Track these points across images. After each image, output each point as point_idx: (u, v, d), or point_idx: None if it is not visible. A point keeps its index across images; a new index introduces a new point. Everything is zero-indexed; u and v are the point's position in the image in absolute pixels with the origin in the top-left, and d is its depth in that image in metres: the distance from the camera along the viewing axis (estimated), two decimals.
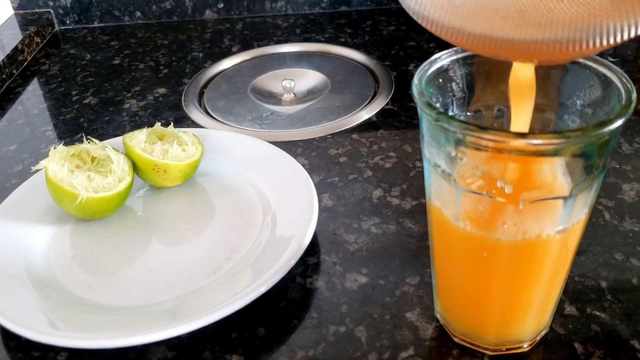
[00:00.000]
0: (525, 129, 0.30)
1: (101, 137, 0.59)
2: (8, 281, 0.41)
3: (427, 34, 0.76)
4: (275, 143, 0.53)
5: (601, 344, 0.36)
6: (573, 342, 0.36)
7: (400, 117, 0.60)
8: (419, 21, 0.26)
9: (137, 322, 0.38)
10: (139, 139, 0.49)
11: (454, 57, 0.31)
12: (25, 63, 0.77)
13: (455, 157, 0.29)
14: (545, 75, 0.31)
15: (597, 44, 0.23)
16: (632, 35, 0.22)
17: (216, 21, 0.85)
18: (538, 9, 0.22)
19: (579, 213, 0.29)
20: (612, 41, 0.23)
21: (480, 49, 0.26)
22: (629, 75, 0.28)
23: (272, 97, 0.66)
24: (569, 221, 0.29)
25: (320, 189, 0.50)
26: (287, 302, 0.40)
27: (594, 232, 0.43)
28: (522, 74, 0.28)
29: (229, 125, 0.61)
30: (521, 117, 0.29)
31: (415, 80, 0.29)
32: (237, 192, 0.50)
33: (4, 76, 0.72)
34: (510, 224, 0.29)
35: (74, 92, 0.69)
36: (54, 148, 0.46)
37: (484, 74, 0.32)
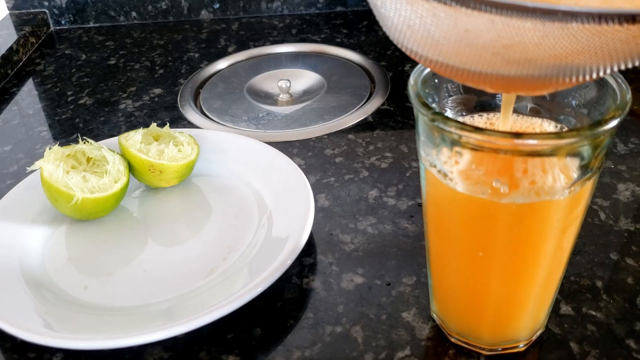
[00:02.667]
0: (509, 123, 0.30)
1: (97, 138, 0.59)
2: (3, 282, 0.41)
3: None
4: (271, 143, 0.53)
5: (597, 344, 0.36)
6: (569, 342, 0.36)
7: (396, 118, 0.60)
8: (403, 50, 0.26)
9: (133, 322, 0.38)
10: (134, 140, 0.49)
11: None
12: (20, 63, 0.77)
13: (451, 157, 0.29)
14: None
15: (581, 79, 0.23)
16: (622, 68, 0.23)
17: (212, 21, 0.85)
18: (520, 48, 0.21)
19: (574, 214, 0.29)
20: (593, 77, 0.23)
21: (460, 79, 0.27)
22: (623, 75, 0.28)
23: (268, 98, 0.66)
24: (565, 222, 0.29)
25: (317, 189, 0.50)
26: (283, 302, 0.40)
27: (590, 232, 0.43)
28: None
29: (225, 125, 0.61)
30: (509, 115, 0.30)
31: (411, 80, 0.30)
32: (233, 192, 0.50)
33: None
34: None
35: (69, 93, 0.69)
36: (49, 148, 0.46)
37: None
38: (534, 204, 0.28)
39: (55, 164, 0.45)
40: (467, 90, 0.32)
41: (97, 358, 0.37)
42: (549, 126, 0.32)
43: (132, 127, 0.61)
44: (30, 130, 0.62)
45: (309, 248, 0.44)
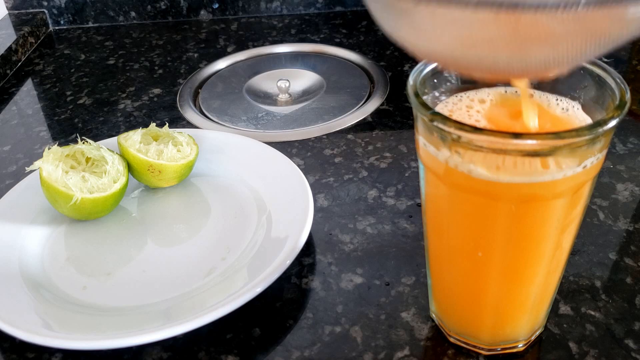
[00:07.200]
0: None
1: (96, 138, 0.59)
2: (2, 282, 0.41)
3: None
4: (270, 143, 0.53)
5: (596, 344, 0.36)
6: (568, 342, 0.36)
7: (396, 118, 0.60)
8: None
9: (132, 323, 0.38)
10: (133, 140, 0.49)
11: None
12: (20, 63, 0.77)
13: (450, 156, 0.29)
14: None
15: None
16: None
17: (211, 21, 0.85)
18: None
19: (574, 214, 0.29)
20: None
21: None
22: (622, 75, 0.28)
23: (268, 98, 0.66)
24: (564, 222, 0.29)
25: (316, 189, 0.50)
26: (282, 302, 0.40)
27: (588, 232, 0.43)
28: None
29: (224, 125, 0.61)
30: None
31: (411, 80, 0.30)
32: (232, 192, 0.50)
33: None
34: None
35: (68, 93, 0.69)
36: (48, 149, 0.46)
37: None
38: (533, 204, 0.28)
39: (54, 164, 0.45)
40: (465, 81, 0.32)
41: (96, 358, 0.37)
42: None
43: (131, 127, 0.61)
44: (29, 130, 0.62)
45: (308, 248, 0.44)
